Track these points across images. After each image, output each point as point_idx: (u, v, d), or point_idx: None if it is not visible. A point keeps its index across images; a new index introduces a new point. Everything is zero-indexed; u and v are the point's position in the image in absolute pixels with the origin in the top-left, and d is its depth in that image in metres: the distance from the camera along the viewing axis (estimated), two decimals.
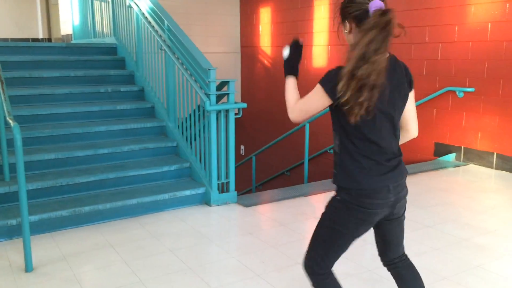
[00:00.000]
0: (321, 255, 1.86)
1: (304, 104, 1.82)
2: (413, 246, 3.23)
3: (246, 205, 4.10)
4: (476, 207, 4.05)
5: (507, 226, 3.60)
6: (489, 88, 5.24)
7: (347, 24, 1.78)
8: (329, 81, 1.72)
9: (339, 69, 1.69)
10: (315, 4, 7.53)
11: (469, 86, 5.43)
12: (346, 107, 1.65)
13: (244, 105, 4.17)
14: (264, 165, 8.51)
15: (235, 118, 4.11)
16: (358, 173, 1.74)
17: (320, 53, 7.51)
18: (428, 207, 4.04)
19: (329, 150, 7.40)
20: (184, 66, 4.40)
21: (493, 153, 5.28)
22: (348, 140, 1.75)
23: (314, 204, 4.30)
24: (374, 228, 1.95)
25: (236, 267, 2.96)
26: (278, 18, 8.25)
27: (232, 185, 4.16)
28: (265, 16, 8.52)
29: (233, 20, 9.02)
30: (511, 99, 5.03)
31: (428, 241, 3.32)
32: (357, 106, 1.63)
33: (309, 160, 7.69)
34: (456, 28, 5.49)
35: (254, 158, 7.62)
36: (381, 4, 1.68)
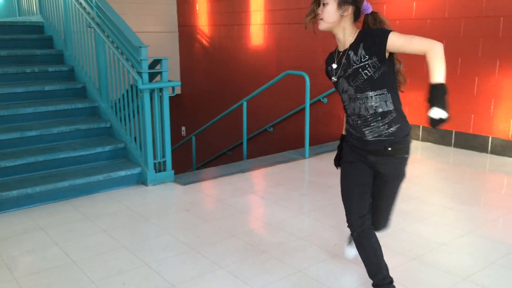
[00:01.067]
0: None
1: (414, 36, 1.90)
2: (341, 214, 3.40)
3: (184, 183, 4.11)
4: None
5: (428, 193, 3.87)
6: (416, 65, 5.52)
7: (349, 8, 1.99)
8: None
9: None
10: None
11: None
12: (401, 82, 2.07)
13: (178, 83, 4.15)
14: (207, 146, 8.51)
15: (175, 99, 4.08)
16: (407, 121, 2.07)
17: (257, 31, 7.55)
18: None
19: (269, 128, 7.53)
20: (115, 45, 4.28)
21: (420, 126, 5.60)
22: (397, 97, 2.02)
23: (252, 180, 4.39)
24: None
25: (172, 242, 2.98)
26: None
27: (169, 164, 4.15)
28: None
29: None
30: None
31: None
32: (404, 80, 2.12)
33: (249, 139, 7.79)
34: (384, 7, 5.71)
35: (193, 138, 7.60)
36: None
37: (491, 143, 4.94)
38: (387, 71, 1.97)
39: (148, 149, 4.01)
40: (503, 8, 4.65)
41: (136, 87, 3.96)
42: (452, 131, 5.27)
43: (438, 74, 1.80)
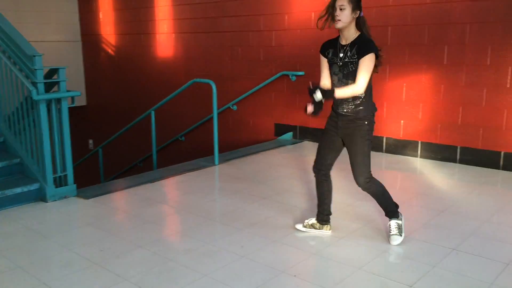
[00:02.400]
0: (369, 164, 2.91)
1: (367, 73, 2.73)
2: (249, 216, 3.49)
3: (88, 197, 3.95)
4: (307, 177, 4.51)
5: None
6: (315, 71, 5.82)
7: (357, 12, 2.74)
8: (376, 49, 2.74)
9: (372, 41, 2.77)
10: None
11: (300, 70, 5.97)
12: (377, 65, 2.80)
13: (77, 93, 3.99)
14: (118, 159, 8.24)
15: (81, 111, 3.92)
16: (373, 105, 2.93)
17: (164, 41, 7.50)
18: (267, 181, 4.37)
19: (181, 138, 7.48)
20: (7, 54, 4.03)
21: (321, 129, 5.89)
22: (368, 90, 2.81)
23: (161, 189, 4.34)
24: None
25: (73, 259, 2.85)
26: (119, 5, 7.98)
27: (70, 178, 3.96)
28: (105, 2, 8.17)
29: (70, 6, 8.47)
30: None
31: (263, 211, 3.61)
32: (379, 63, 2.84)
33: (161, 149, 7.68)
34: (286, 17, 5.96)
35: (100, 151, 7.32)
36: None
37: (385, 142, 5.35)
38: None
39: (46, 163, 3.80)
40: (391, 19, 5.08)
41: (31, 98, 3.75)
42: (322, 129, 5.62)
43: (340, 90, 2.76)
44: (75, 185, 3.98)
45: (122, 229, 3.32)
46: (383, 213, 3.10)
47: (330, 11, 2.75)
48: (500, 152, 4.51)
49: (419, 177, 4.54)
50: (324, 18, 2.78)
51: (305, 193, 4.01)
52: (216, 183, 4.60)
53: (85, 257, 2.87)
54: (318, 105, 2.73)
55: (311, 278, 2.63)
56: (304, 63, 5.91)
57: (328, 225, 3.15)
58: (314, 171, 3.08)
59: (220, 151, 5.23)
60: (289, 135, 6.23)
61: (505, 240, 3.03)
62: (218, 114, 6.70)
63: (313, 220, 3.18)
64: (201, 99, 6.91)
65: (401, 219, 3.05)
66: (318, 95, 2.67)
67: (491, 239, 3.05)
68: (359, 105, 2.85)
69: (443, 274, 2.61)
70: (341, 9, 2.71)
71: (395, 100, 5.19)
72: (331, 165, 3.05)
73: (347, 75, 2.80)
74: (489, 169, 4.57)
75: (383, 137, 5.36)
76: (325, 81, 2.93)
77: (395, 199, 3.07)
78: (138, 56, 7.85)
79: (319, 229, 3.15)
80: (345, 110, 2.87)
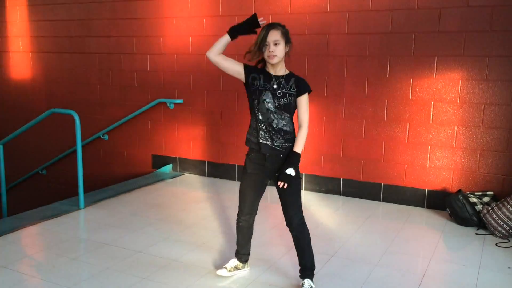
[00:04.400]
0: (301, 205, 2.77)
1: (308, 112, 2.71)
2: (121, 278, 2.91)
3: None
4: (188, 219, 4.05)
5: (214, 238, 3.68)
6: (196, 99, 5.45)
7: (289, 45, 2.66)
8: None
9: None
10: (8, 4, 6.46)
11: (178, 98, 5.53)
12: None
13: None
14: None
15: None
16: None
17: (20, 60, 6.50)
18: (141, 229, 3.81)
19: (41, 171, 6.50)
20: None
21: (205, 161, 5.51)
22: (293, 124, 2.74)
23: (7, 247, 3.49)
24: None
25: None
26: None
27: None
28: None
29: None
30: (216, 110, 5.34)
31: (136, 270, 3.06)
32: None
33: (17, 185, 6.61)
34: (162, 40, 5.50)
35: None
36: None
37: None
38: (295, 105, 2.69)
39: None
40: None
41: None
42: (205, 161, 5.33)
43: (300, 147, 2.66)
44: None
45: None
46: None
47: (260, 45, 2.57)
48: (380, 184, 4.55)
49: (306, 213, 4.35)
50: (252, 53, 2.60)
51: (186, 241, 3.55)
52: (79, 233, 3.88)
53: None
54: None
55: None
56: (183, 90, 5.49)
57: (247, 263, 3.05)
58: (241, 220, 2.86)
59: (88, 188, 4.53)
60: (168, 168, 5.72)
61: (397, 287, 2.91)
62: (87, 144, 5.95)
63: (235, 262, 3.00)
64: (64, 129, 6.07)
65: (314, 284, 2.77)
66: (292, 171, 2.60)
67: (383, 287, 2.91)
68: (290, 140, 2.67)
69: None
70: (275, 44, 2.56)
71: None
72: (257, 208, 2.88)
73: (283, 106, 2.63)
74: (371, 201, 4.59)
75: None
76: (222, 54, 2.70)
77: (287, 238, 2.78)
78: None
79: (242, 268, 3.01)
80: (276, 147, 2.66)
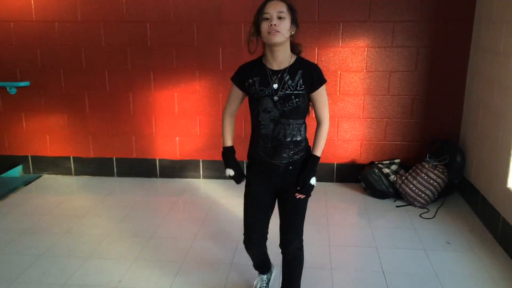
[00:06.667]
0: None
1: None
2: None
3: None
4: (89, 246, 3.10)
5: (108, 273, 2.87)
6: (49, 80, 4.22)
7: (295, 29, 2.03)
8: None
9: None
10: None
11: (22, 80, 4.22)
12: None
13: None
14: None
15: None
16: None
17: None
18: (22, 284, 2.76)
19: None
20: None
21: (70, 157, 4.40)
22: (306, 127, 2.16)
23: None
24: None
25: None
26: None
27: None
28: None
29: None
30: (79, 92, 4.22)
31: None
32: None
33: None
34: None
35: None
36: None
37: (159, 165, 4.35)
38: (307, 104, 2.11)
39: None
40: (149, 13, 4.00)
41: None
42: (112, 158, 4.37)
43: (321, 149, 2.13)
44: None
45: None
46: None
47: (259, 22, 1.96)
48: None
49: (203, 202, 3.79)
50: (249, 35, 2.02)
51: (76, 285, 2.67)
52: None
53: None
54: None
55: None
56: (28, 69, 4.19)
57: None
58: (251, 246, 2.24)
59: None
60: (17, 170, 4.43)
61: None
62: None
63: (263, 278, 2.52)
64: None
65: None
66: (313, 181, 2.10)
67: None
68: (301, 151, 2.12)
69: None
70: (279, 18, 1.94)
71: (167, 114, 4.22)
72: (267, 227, 2.26)
73: (290, 112, 2.02)
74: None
75: (155, 159, 4.34)
76: (232, 107, 2.19)
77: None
78: None
79: (272, 275, 2.59)
80: (283, 160, 2.10)
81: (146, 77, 4.14)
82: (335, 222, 3.45)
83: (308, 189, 2.09)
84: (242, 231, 2.23)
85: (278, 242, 2.23)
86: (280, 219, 2.20)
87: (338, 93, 4.02)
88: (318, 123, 2.13)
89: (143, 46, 4.07)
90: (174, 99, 4.17)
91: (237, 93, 2.13)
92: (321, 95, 2.07)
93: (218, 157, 4.23)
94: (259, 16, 1.97)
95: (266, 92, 2.01)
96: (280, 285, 2.34)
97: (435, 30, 3.82)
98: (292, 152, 2.09)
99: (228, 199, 3.87)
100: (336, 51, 3.94)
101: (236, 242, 3.11)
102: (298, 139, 2.09)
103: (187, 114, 4.20)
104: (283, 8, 1.95)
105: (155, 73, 4.13)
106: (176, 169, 4.34)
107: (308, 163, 2.10)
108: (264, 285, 2.51)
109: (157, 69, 4.11)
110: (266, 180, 2.15)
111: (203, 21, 3.97)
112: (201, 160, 4.30)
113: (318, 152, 2.11)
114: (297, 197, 2.10)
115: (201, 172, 4.33)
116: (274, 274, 2.61)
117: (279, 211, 2.21)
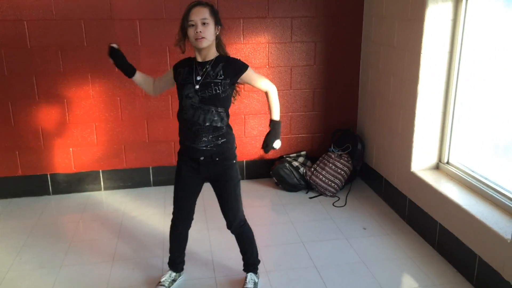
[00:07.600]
0: (242, 204, 2.47)
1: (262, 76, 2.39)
2: None
3: None
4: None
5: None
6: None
7: (219, 28, 2.27)
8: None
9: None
10: None
11: None
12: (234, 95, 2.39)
13: None
14: None
15: None
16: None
17: None
18: None
19: None
20: None
21: None
22: (228, 116, 2.34)
23: None
24: None
25: None
26: None
27: None
28: None
29: None
30: None
31: None
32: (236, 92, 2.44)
33: None
34: None
35: None
36: None
37: (51, 181, 3.87)
38: (229, 94, 2.30)
39: None
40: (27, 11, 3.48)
41: None
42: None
43: (277, 112, 2.34)
44: None
45: None
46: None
47: (184, 26, 2.20)
48: None
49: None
50: (178, 39, 2.26)
51: None
52: None
53: None
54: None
55: None
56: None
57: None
58: (178, 227, 2.50)
59: None
60: None
61: None
62: None
63: (172, 275, 2.63)
64: None
65: (258, 278, 2.63)
66: (279, 142, 2.34)
67: None
68: (221, 136, 2.30)
69: None
70: (204, 24, 2.16)
71: (56, 123, 3.75)
72: (193, 211, 2.52)
73: (209, 99, 2.22)
74: None
75: (46, 174, 3.85)
76: (158, 81, 2.51)
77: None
78: None
79: (178, 278, 2.67)
80: (204, 146, 2.28)
81: (28, 83, 3.62)
82: (256, 222, 3.41)
83: (268, 149, 2.31)
84: (166, 248, 2.54)
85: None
86: (219, 204, 2.44)
87: (243, 91, 3.97)
88: (266, 93, 2.33)
89: (21, 47, 3.54)
90: (64, 106, 3.73)
91: (169, 75, 2.39)
92: (251, 75, 2.29)
93: (120, 166, 3.94)
94: (185, 23, 2.18)
95: (190, 80, 2.24)
96: None
97: (330, 25, 3.98)
98: (211, 136, 2.26)
99: (140, 210, 3.60)
100: (238, 48, 3.88)
101: (161, 259, 2.90)
102: (219, 125, 2.26)
103: (81, 122, 3.79)
104: (205, 14, 2.16)
105: (39, 78, 3.63)
106: (72, 183, 3.91)
107: (271, 127, 2.32)
108: (170, 280, 2.59)
109: (41, 74, 3.63)
110: (196, 171, 2.34)
111: (92, 17, 3.59)
112: (101, 171, 3.93)
113: (275, 115, 2.32)
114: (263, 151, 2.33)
115: (102, 183, 3.96)
116: (183, 279, 2.67)
117: (217, 198, 2.43)
